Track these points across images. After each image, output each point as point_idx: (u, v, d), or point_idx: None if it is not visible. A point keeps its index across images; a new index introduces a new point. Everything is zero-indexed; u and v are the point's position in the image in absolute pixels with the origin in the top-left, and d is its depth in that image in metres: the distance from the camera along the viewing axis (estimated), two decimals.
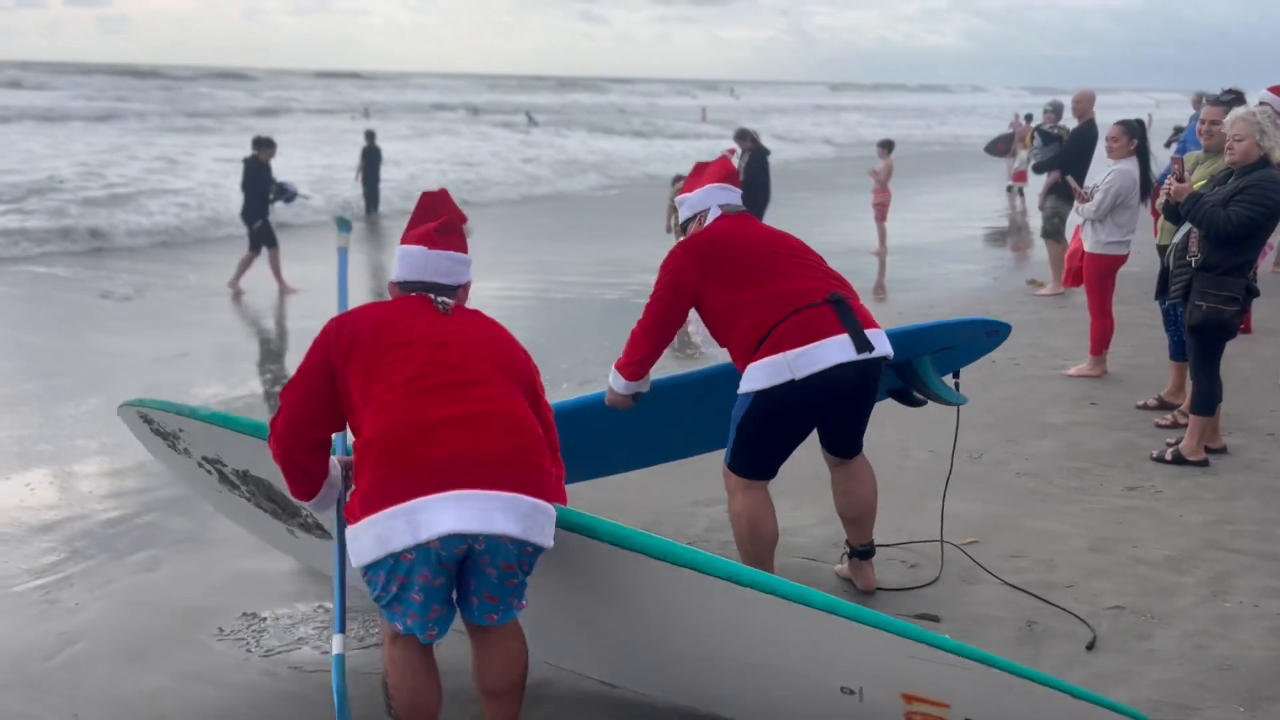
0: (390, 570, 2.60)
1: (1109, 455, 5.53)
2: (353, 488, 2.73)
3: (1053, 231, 10.00)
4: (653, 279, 3.89)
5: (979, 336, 4.36)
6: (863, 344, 3.54)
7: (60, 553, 4.69)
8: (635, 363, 3.87)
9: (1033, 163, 11.07)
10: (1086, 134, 9.47)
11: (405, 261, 2.96)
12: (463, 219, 3.02)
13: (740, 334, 3.65)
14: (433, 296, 2.89)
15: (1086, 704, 2.41)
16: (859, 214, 15.33)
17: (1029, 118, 19.37)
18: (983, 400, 6.58)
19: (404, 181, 20.80)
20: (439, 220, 2.98)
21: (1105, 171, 6.85)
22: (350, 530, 2.65)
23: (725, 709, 3.07)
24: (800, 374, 3.49)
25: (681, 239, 3.96)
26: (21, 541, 4.83)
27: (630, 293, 10.76)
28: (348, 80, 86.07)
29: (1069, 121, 10.39)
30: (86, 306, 10.80)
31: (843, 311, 3.60)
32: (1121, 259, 6.95)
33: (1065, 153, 9.63)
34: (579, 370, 7.70)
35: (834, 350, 3.50)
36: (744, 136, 13.01)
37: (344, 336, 2.81)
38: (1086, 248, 6.96)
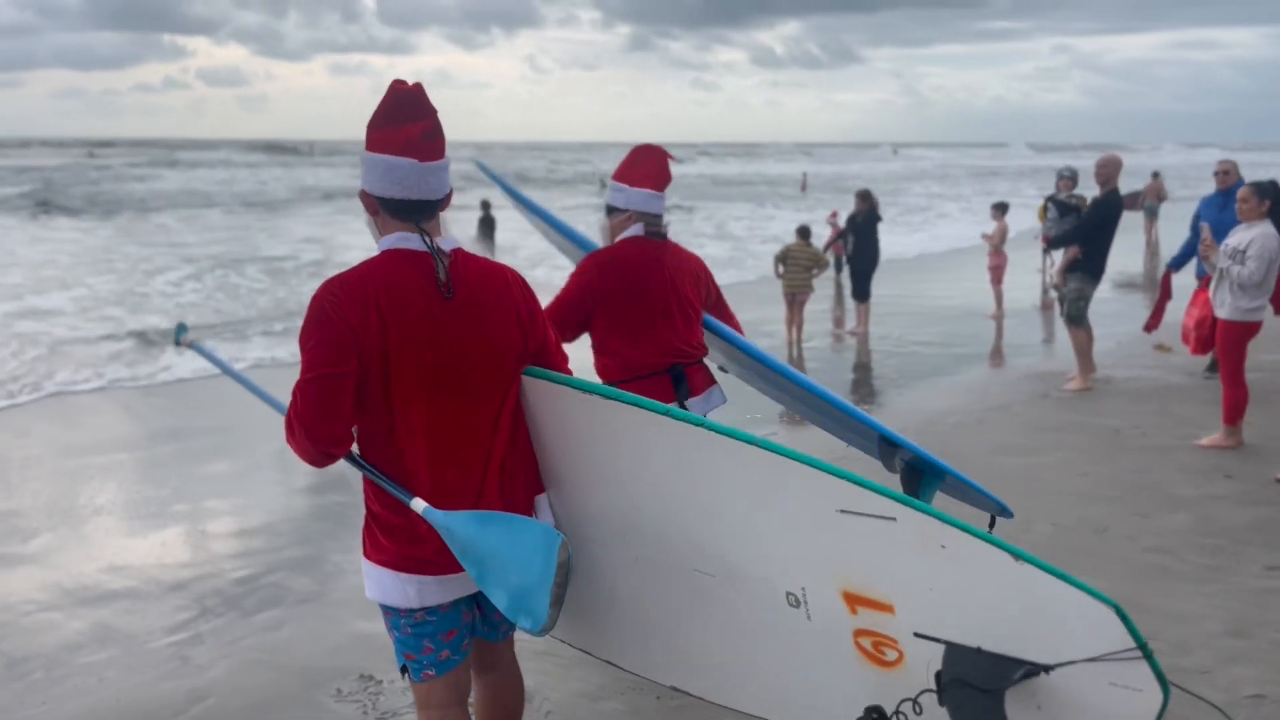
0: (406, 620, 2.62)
1: (1246, 531, 5.27)
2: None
3: (1077, 317, 8.69)
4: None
5: (986, 504, 3.87)
6: None
7: (191, 610, 4.89)
8: None
9: (1047, 235, 10.21)
10: (1109, 203, 8.60)
11: (392, 175, 2.52)
12: (435, 112, 2.56)
13: (602, 364, 3.99)
14: (435, 256, 2.54)
15: (1026, 564, 2.13)
16: (975, 277, 15.08)
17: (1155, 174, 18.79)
18: (1107, 470, 6.36)
19: (510, 255, 21.03)
20: (422, 124, 2.53)
21: (1243, 235, 6.62)
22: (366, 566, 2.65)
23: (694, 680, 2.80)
24: None
25: (602, 238, 4.14)
26: (157, 599, 5.05)
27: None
28: (469, 149, 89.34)
29: (1085, 189, 9.64)
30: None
31: (678, 385, 3.95)
32: (1258, 325, 6.69)
33: (1085, 224, 8.77)
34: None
35: None
36: (864, 197, 12.99)
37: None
38: (1223, 315, 6.69)
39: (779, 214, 33.41)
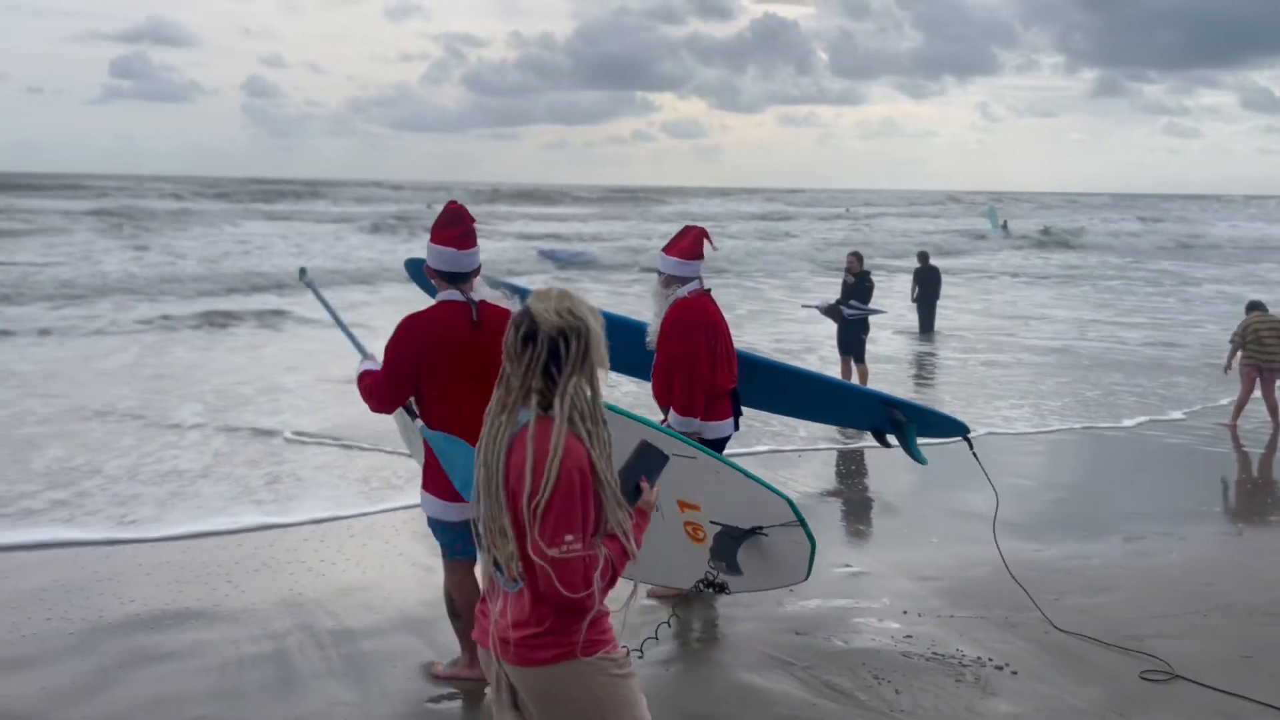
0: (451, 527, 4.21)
1: None
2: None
3: None
4: None
5: (949, 430, 5.95)
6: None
7: None
8: (695, 403, 5.25)
9: None
10: None
11: (443, 258, 4.17)
12: (473, 221, 4.23)
13: (691, 393, 5.23)
14: (470, 304, 4.13)
15: (754, 484, 4.21)
16: None
17: None
18: None
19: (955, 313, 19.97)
20: (462, 228, 4.18)
21: None
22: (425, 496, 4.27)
23: None
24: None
25: (671, 298, 5.33)
26: None
27: (1197, 439, 9.58)
28: (900, 196, 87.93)
29: None
30: None
31: (735, 401, 5.49)
32: None
33: None
34: (1122, 523, 7.00)
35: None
36: None
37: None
38: None
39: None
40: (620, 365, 6.52)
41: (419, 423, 4.20)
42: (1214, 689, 4.46)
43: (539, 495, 2.41)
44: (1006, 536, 5.80)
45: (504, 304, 4.28)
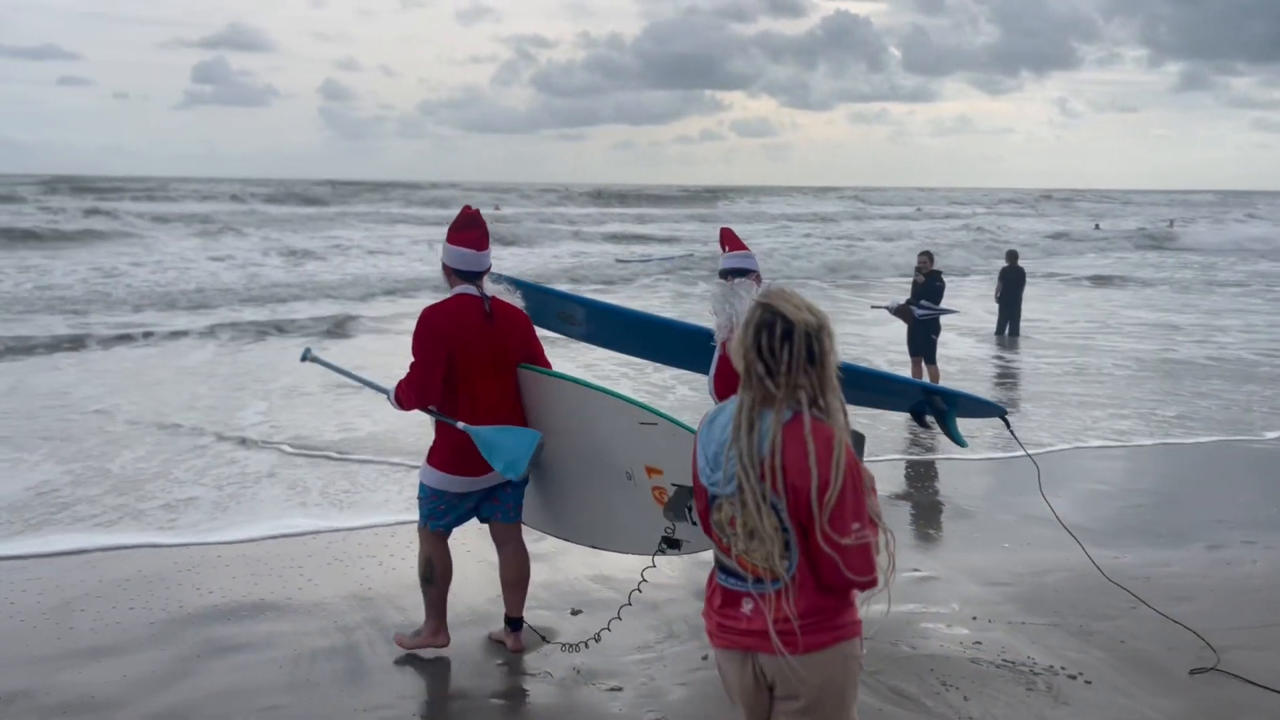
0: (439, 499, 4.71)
1: None
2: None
3: None
4: None
5: (988, 412, 6.41)
6: None
7: (660, 632, 5.15)
8: None
9: None
10: None
11: (461, 257, 4.60)
12: (486, 224, 4.68)
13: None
14: (483, 299, 4.59)
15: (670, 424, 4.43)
16: None
17: None
18: None
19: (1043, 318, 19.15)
20: (477, 231, 4.62)
21: None
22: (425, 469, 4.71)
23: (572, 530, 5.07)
24: None
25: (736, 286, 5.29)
26: (633, 615, 5.41)
27: None
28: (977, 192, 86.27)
29: None
30: None
31: None
32: None
33: None
34: (1205, 531, 6.80)
35: None
36: None
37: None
38: None
39: None
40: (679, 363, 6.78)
41: (461, 424, 4.53)
42: None
43: (830, 490, 2.51)
44: (1084, 542, 5.66)
45: (509, 299, 4.71)
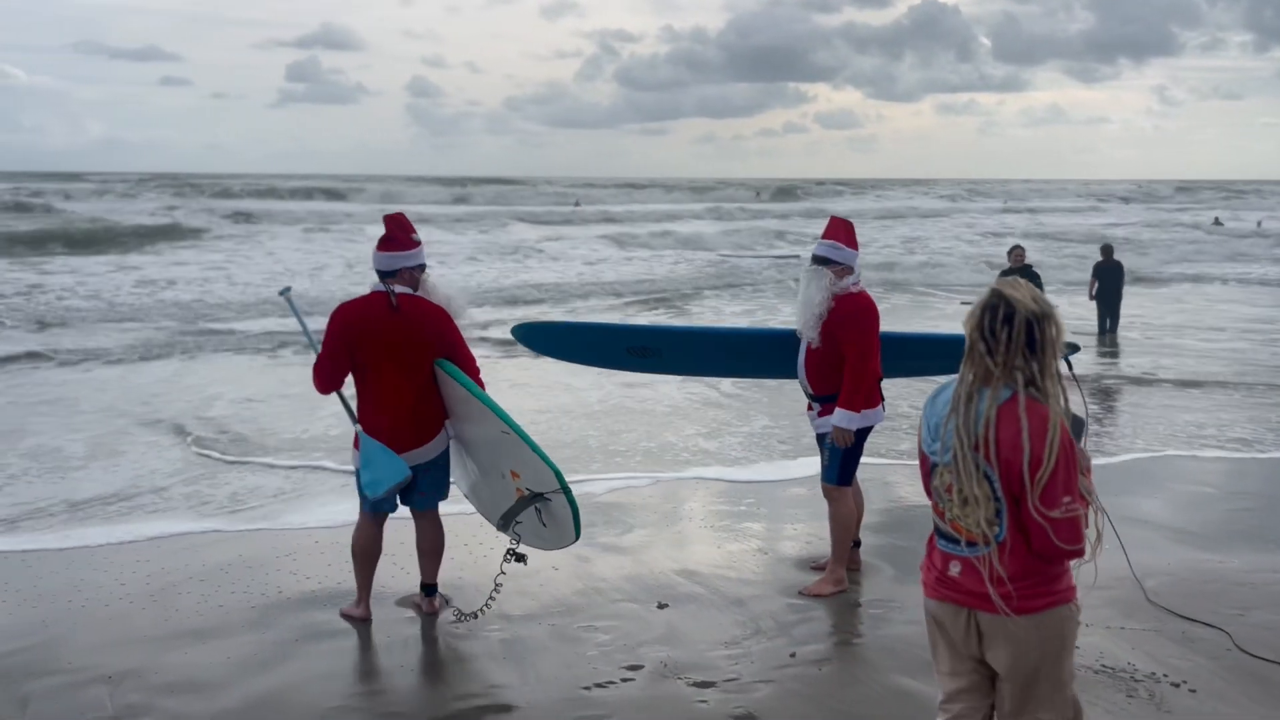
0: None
1: None
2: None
3: None
4: None
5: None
6: None
7: (746, 628, 5.12)
8: (861, 397, 5.38)
9: None
10: None
11: (375, 259, 5.05)
12: (410, 231, 5.07)
13: (858, 380, 5.33)
14: (390, 293, 4.96)
15: (535, 454, 4.81)
16: None
17: None
18: None
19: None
20: (386, 235, 5.02)
21: None
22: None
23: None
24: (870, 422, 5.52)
25: (843, 288, 5.42)
26: (719, 610, 5.40)
27: None
28: (1075, 184, 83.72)
29: None
30: None
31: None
32: None
33: None
34: None
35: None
36: None
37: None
38: None
39: None
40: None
41: (357, 427, 5.04)
42: None
43: (1043, 465, 2.69)
44: (1184, 546, 5.48)
45: (433, 297, 5.05)
